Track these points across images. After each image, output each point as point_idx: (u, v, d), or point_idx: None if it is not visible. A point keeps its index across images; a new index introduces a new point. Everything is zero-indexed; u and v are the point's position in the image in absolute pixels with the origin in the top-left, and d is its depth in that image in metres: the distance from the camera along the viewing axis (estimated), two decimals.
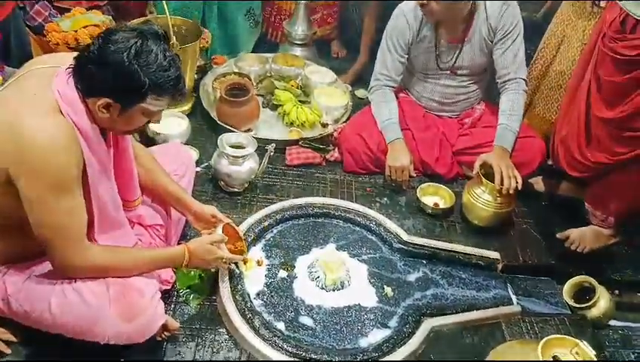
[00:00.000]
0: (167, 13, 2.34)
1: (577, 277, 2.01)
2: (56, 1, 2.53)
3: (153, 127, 2.26)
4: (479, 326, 1.84)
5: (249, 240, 1.95)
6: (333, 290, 1.86)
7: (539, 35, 2.58)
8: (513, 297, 1.98)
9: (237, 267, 1.83)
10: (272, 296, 1.82)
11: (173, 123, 2.37)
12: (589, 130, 2.07)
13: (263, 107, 2.72)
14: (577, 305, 1.95)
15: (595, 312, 1.94)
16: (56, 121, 1.26)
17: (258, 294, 1.82)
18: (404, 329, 1.76)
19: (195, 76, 2.70)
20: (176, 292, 1.77)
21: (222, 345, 1.66)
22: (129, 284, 1.44)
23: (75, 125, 1.28)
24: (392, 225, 2.13)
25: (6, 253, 1.45)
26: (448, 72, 2.40)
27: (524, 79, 2.32)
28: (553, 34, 2.45)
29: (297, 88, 2.83)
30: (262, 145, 2.25)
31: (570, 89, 2.21)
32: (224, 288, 1.76)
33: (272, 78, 2.88)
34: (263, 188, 2.27)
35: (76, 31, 2.27)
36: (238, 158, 2.11)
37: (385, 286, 1.91)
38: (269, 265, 1.93)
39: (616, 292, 2.12)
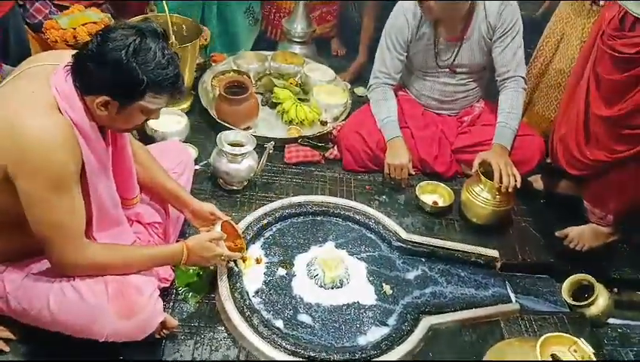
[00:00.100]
0: (167, 11, 2.33)
1: (576, 275, 2.01)
2: None
3: (152, 124, 2.26)
4: (478, 324, 1.84)
5: (248, 238, 1.94)
6: (332, 288, 1.86)
7: (538, 33, 2.58)
8: (512, 295, 1.99)
9: (236, 265, 1.83)
10: (270, 293, 1.82)
11: (172, 121, 2.36)
12: (588, 128, 2.07)
13: (262, 105, 2.72)
14: (576, 303, 1.96)
15: (593, 310, 1.94)
16: (55, 118, 1.26)
17: (257, 292, 1.82)
18: (403, 327, 1.76)
19: (194, 74, 2.70)
20: (175, 290, 1.77)
21: (220, 342, 1.66)
22: (127, 282, 1.44)
23: (74, 123, 1.28)
24: (391, 223, 2.13)
25: (4, 250, 1.44)
26: (447, 70, 2.39)
27: (523, 77, 2.32)
28: (552, 32, 2.45)
29: (296, 86, 2.82)
30: (261, 143, 2.25)
31: (569, 87, 2.21)
32: (223, 286, 1.76)
33: (271, 75, 2.87)
34: (262, 186, 2.27)
35: (75, 28, 2.27)
36: (237, 156, 2.11)
37: (384, 284, 1.91)
38: (267, 263, 1.93)
39: (615, 290, 2.13)
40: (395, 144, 2.32)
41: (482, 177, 2.13)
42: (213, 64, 2.90)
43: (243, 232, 1.93)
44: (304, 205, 2.15)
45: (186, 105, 2.63)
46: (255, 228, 2.00)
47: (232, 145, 2.14)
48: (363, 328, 1.77)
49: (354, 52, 3.23)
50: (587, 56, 2.07)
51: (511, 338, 1.76)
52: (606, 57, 1.94)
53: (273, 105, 2.73)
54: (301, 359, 1.62)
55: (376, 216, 2.15)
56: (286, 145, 2.47)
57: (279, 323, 1.74)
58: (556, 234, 2.23)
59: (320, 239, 2.05)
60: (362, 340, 1.73)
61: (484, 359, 1.59)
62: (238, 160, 2.12)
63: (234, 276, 1.80)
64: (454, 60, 2.36)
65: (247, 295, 1.78)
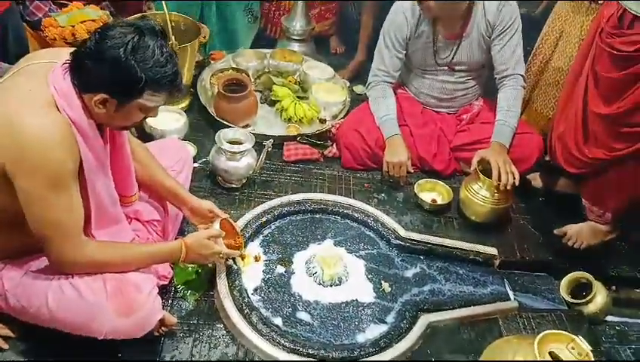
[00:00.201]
0: (166, 11, 2.32)
1: (574, 273, 2.02)
2: None
3: (150, 122, 2.26)
4: (476, 322, 1.84)
5: (247, 235, 1.95)
6: (331, 286, 1.87)
7: (537, 31, 2.58)
8: (510, 293, 1.99)
9: (235, 263, 1.83)
10: (269, 291, 1.83)
11: (170, 118, 2.36)
12: (587, 126, 2.07)
13: (261, 103, 2.71)
14: (574, 301, 1.96)
15: (591, 308, 1.94)
16: (53, 116, 1.26)
17: (256, 290, 1.82)
18: (402, 325, 1.76)
19: (193, 72, 2.69)
20: (173, 288, 1.77)
21: (219, 340, 1.67)
22: (126, 280, 1.44)
23: (71, 121, 1.28)
24: (389, 221, 2.13)
25: (3, 248, 1.44)
26: (446, 67, 2.39)
27: (522, 75, 2.32)
28: (551, 30, 2.45)
29: (295, 84, 2.82)
30: (260, 140, 2.25)
31: (568, 85, 2.21)
32: (222, 283, 1.76)
33: (270, 73, 2.87)
34: (260, 184, 2.27)
35: (73, 26, 2.27)
36: (236, 154, 2.11)
37: (382, 282, 1.92)
38: (266, 260, 1.93)
39: (613, 288, 2.13)
40: (393, 142, 2.32)
41: (481, 175, 2.13)
42: (212, 62, 2.90)
43: (242, 230, 1.93)
44: (303, 203, 2.15)
45: (184, 103, 2.62)
46: (254, 226, 2.00)
47: (231, 142, 2.14)
48: (362, 325, 1.77)
49: (353, 50, 3.23)
50: (586, 54, 2.07)
51: (509, 336, 1.76)
52: (604, 55, 1.94)
53: (272, 103, 2.73)
54: (300, 356, 1.62)
55: (375, 214, 2.16)
56: (285, 143, 2.47)
57: (278, 321, 1.74)
58: (555, 231, 2.24)
59: (319, 237, 2.05)
60: (361, 337, 1.74)
61: (482, 356, 1.59)
62: (237, 158, 2.12)
63: (233, 274, 1.81)
64: (453, 58, 2.36)
65: (246, 292, 1.78)
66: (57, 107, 1.27)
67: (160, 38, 1.29)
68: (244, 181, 2.22)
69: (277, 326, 1.71)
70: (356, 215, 2.14)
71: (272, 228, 2.06)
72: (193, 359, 1.60)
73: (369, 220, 2.13)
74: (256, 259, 1.91)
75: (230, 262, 1.82)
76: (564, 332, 1.41)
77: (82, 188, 1.36)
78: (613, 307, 2.00)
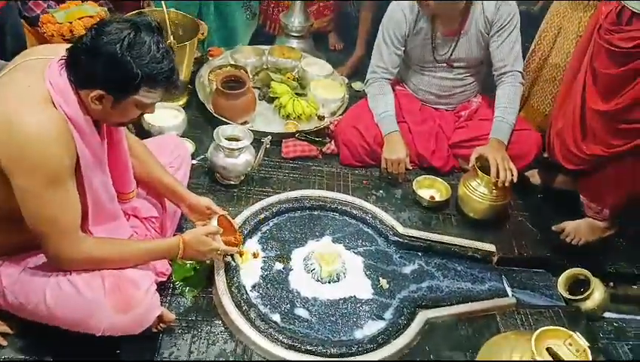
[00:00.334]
0: (165, 10, 2.31)
1: (572, 269, 2.02)
2: None
3: (149, 119, 2.26)
4: (474, 318, 1.85)
5: (245, 232, 1.95)
6: (329, 282, 1.87)
7: (536, 28, 2.57)
8: (508, 289, 1.99)
9: (233, 259, 1.83)
10: (267, 288, 1.83)
11: (169, 115, 2.36)
12: (585, 123, 2.07)
13: (260, 99, 2.71)
14: (572, 297, 1.96)
15: (589, 304, 1.95)
16: (49, 113, 1.25)
17: (254, 286, 1.82)
18: (400, 321, 1.77)
19: (192, 68, 2.69)
20: (172, 285, 1.77)
21: (218, 336, 1.67)
22: (124, 276, 1.44)
23: (67, 117, 1.27)
24: (387, 218, 2.13)
25: (0, 245, 1.44)
26: (445, 64, 2.39)
27: (520, 72, 2.31)
28: (549, 27, 2.45)
29: (294, 81, 2.82)
30: (258, 137, 2.25)
31: (566, 82, 2.21)
32: (220, 280, 1.77)
33: (269, 70, 2.87)
34: (259, 180, 2.27)
35: (71, 22, 2.26)
36: (234, 151, 2.11)
37: (380, 279, 1.92)
38: (264, 257, 1.93)
39: (611, 284, 2.13)
40: (392, 139, 2.32)
41: (479, 172, 2.13)
42: (210, 58, 2.89)
43: (240, 227, 1.93)
44: (301, 200, 2.15)
45: (183, 100, 2.62)
46: (252, 223, 2.00)
47: (229, 139, 2.14)
48: (360, 322, 1.77)
49: (351, 46, 3.23)
50: (584, 51, 2.07)
51: (507, 332, 1.77)
52: (603, 51, 1.94)
53: (270, 100, 2.72)
54: (298, 353, 1.62)
55: (374, 211, 2.16)
56: (283, 140, 2.47)
57: (276, 317, 1.74)
58: (553, 228, 2.24)
59: (317, 233, 2.05)
60: (359, 334, 1.74)
61: (480, 352, 1.59)
62: (235, 154, 2.12)
63: (231, 270, 1.81)
64: (452, 55, 2.35)
65: (245, 289, 1.78)
66: (53, 103, 1.27)
67: (156, 34, 1.29)
68: (242, 178, 2.22)
69: (275, 322, 1.72)
70: (354, 212, 2.15)
71: (270, 224, 2.06)
72: (191, 355, 1.60)
73: (367, 217, 2.13)
74: (255, 255, 1.92)
75: (228, 258, 1.82)
76: (561, 328, 1.41)
77: (79, 184, 1.36)
78: (611, 303, 2.01)
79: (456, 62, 2.38)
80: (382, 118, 2.36)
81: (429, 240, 2.07)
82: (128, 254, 1.47)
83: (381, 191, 2.34)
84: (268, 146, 2.22)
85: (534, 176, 2.47)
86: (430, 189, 2.34)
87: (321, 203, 2.16)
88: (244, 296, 1.75)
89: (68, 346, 1.50)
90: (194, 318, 1.70)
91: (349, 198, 2.20)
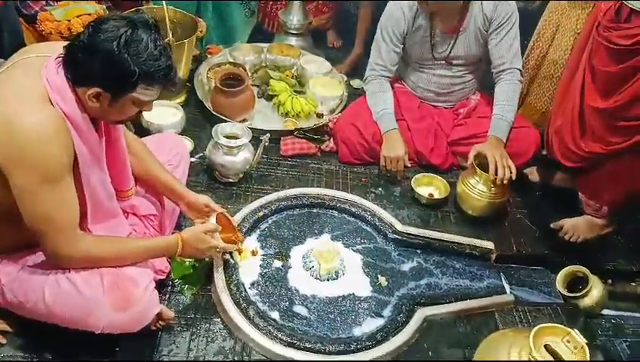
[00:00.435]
0: (166, 8, 2.31)
1: (570, 266, 2.02)
2: None
3: (147, 116, 2.25)
4: (472, 316, 1.85)
5: (244, 230, 1.95)
6: (328, 280, 1.87)
7: (534, 25, 2.57)
8: (507, 286, 2.00)
9: (232, 257, 1.83)
10: (266, 285, 1.83)
11: (167, 113, 2.36)
12: (584, 120, 2.07)
13: (258, 97, 2.71)
14: (570, 295, 1.96)
15: (587, 301, 1.95)
16: (46, 111, 1.25)
17: (253, 284, 1.83)
18: (398, 319, 1.77)
19: (190, 66, 2.69)
20: (170, 282, 1.77)
21: (216, 334, 1.67)
22: (123, 274, 1.44)
23: (65, 114, 1.27)
24: (386, 216, 2.13)
25: None
26: (443, 62, 2.39)
27: (519, 69, 2.31)
28: (548, 24, 2.44)
29: (293, 78, 2.82)
30: (257, 135, 2.25)
31: (565, 79, 2.21)
32: (219, 278, 1.77)
33: (267, 68, 2.87)
34: (257, 178, 2.27)
35: (69, 20, 2.26)
36: (233, 149, 2.11)
37: (379, 276, 1.92)
38: (263, 255, 1.93)
39: (609, 281, 2.14)
40: (391, 136, 2.32)
41: (478, 169, 2.13)
42: (208, 56, 2.89)
43: (239, 224, 1.93)
44: (300, 197, 2.15)
45: (181, 97, 2.62)
46: (251, 221, 2.01)
47: (228, 137, 2.14)
48: (358, 319, 1.78)
49: (350, 44, 3.22)
50: (582, 48, 2.07)
51: (505, 329, 1.77)
52: (601, 49, 1.94)
53: (269, 98, 2.72)
54: (297, 350, 1.62)
55: (372, 209, 2.16)
56: (282, 138, 2.47)
57: (275, 315, 1.74)
58: (551, 225, 2.24)
59: (316, 231, 2.06)
60: (357, 331, 1.74)
61: (478, 349, 1.59)
62: (234, 152, 2.12)
63: (230, 268, 1.81)
64: (450, 52, 2.35)
65: (243, 287, 1.78)
66: (51, 101, 1.26)
67: (153, 31, 1.28)
68: (241, 175, 2.22)
69: (274, 320, 1.72)
70: (353, 209, 2.15)
71: (269, 222, 2.06)
72: (190, 353, 1.60)
73: (366, 215, 2.13)
74: (254, 253, 1.92)
75: (227, 256, 1.82)
76: (559, 325, 1.41)
77: (77, 182, 1.36)
78: (609, 300, 2.01)
79: (454, 60, 2.38)
80: (381, 115, 2.36)
81: (427, 237, 2.08)
82: (127, 252, 1.47)
83: (380, 189, 2.34)
84: (267, 144, 2.22)
85: (533, 174, 2.47)
86: (429, 187, 2.34)
87: (319, 200, 2.16)
88: (243, 294, 1.75)
89: (67, 344, 1.50)
90: (193, 316, 1.70)
91: (348, 196, 2.21)
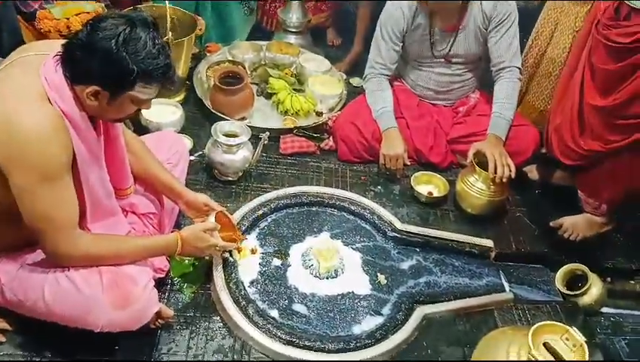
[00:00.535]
0: (167, 5, 2.30)
1: (570, 264, 2.02)
2: None
3: (146, 115, 2.25)
4: (472, 314, 1.85)
5: (243, 228, 1.95)
6: (327, 278, 1.87)
7: (534, 23, 2.57)
8: (506, 284, 2.00)
9: (231, 255, 1.83)
10: (266, 284, 1.83)
11: (166, 111, 2.36)
12: (583, 119, 2.07)
13: (257, 95, 2.71)
14: (569, 293, 1.96)
15: (586, 299, 1.95)
16: (44, 109, 1.25)
17: (252, 282, 1.83)
18: (397, 317, 1.77)
19: (189, 65, 2.68)
20: (170, 281, 1.77)
21: (216, 332, 1.67)
22: (122, 272, 1.44)
23: (63, 113, 1.27)
24: (386, 214, 2.14)
25: None
26: (443, 60, 2.39)
27: (518, 67, 2.31)
28: (547, 22, 2.44)
29: (292, 76, 2.81)
30: (256, 133, 2.25)
31: (564, 77, 2.21)
32: (218, 276, 1.77)
33: (267, 66, 2.86)
34: (257, 176, 2.27)
35: (68, 18, 2.25)
36: (232, 147, 2.11)
37: (378, 274, 1.92)
38: (263, 253, 1.93)
39: (609, 279, 2.14)
40: (390, 134, 2.32)
41: (477, 167, 2.14)
42: (208, 54, 2.89)
43: (238, 223, 1.93)
44: (299, 196, 2.15)
45: (180, 96, 2.61)
46: (250, 219, 2.01)
47: (227, 135, 2.14)
48: (358, 317, 1.78)
49: (350, 42, 3.22)
50: (582, 46, 2.07)
51: (504, 327, 1.77)
52: (601, 47, 1.94)
53: (268, 96, 2.72)
54: (296, 348, 1.62)
55: (372, 207, 2.16)
56: (281, 136, 2.47)
57: (274, 313, 1.74)
58: (550, 224, 2.24)
59: (315, 229, 2.06)
60: (357, 329, 1.74)
61: (477, 347, 1.60)
62: (233, 150, 2.12)
63: (229, 266, 1.81)
64: (450, 50, 2.35)
65: (243, 285, 1.78)
66: (49, 99, 1.26)
67: (152, 29, 1.28)
68: (240, 174, 2.22)
69: (273, 318, 1.72)
70: (352, 207, 2.15)
71: (268, 220, 2.06)
72: (190, 351, 1.60)
73: (365, 213, 2.13)
74: (253, 251, 1.92)
75: (226, 254, 1.82)
76: (558, 323, 1.41)
77: (76, 180, 1.35)
78: (608, 298, 2.01)
79: (454, 58, 2.38)
80: (380, 113, 2.36)
81: (426, 235, 2.08)
82: (126, 251, 1.47)
83: (379, 187, 2.34)
84: (266, 142, 2.21)
85: (532, 172, 2.47)
86: (428, 185, 2.34)
87: (319, 199, 2.16)
88: (243, 292, 1.75)
89: (66, 342, 1.50)
90: (192, 314, 1.71)
91: (347, 194, 2.21)
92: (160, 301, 1.55)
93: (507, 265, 2.10)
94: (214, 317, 1.71)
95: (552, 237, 2.21)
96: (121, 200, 1.60)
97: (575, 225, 2.19)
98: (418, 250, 2.06)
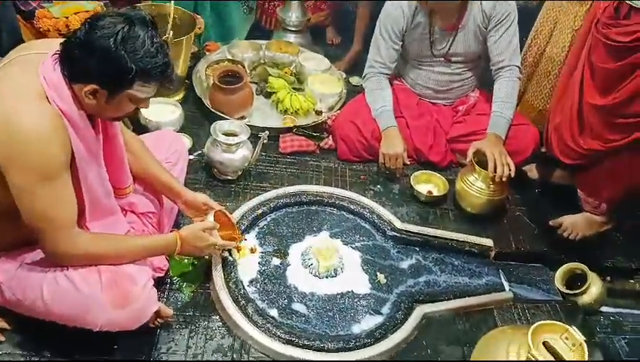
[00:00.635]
0: (172, 4, 2.30)
1: (569, 264, 2.02)
2: None
3: (146, 114, 2.25)
4: (471, 313, 1.85)
5: (242, 227, 1.94)
6: (327, 277, 1.87)
7: (533, 22, 2.57)
8: (505, 284, 2.00)
9: (230, 255, 1.83)
10: (265, 283, 1.83)
11: (165, 110, 2.36)
12: (582, 118, 2.06)
13: (257, 94, 2.71)
14: (569, 292, 1.97)
15: (586, 299, 1.95)
16: (43, 108, 1.25)
17: (251, 281, 1.82)
18: (397, 316, 1.77)
19: (189, 63, 2.68)
20: (169, 280, 1.77)
21: (215, 331, 1.67)
22: (121, 272, 1.43)
23: (61, 112, 1.27)
24: (385, 213, 2.13)
25: None
26: (442, 59, 2.39)
27: (518, 67, 2.31)
28: (546, 20, 2.44)
29: (291, 75, 2.81)
30: (255, 132, 2.24)
31: (564, 76, 2.21)
32: (217, 275, 1.77)
33: (266, 65, 2.86)
34: (256, 176, 2.27)
35: (67, 17, 2.25)
36: (232, 146, 2.10)
37: (378, 273, 1.92)
38: (262, 252, 1.93)
39: (608, 278, 2.15)
40: (390, 133, 2.31)
41: (476, 166, 2.13)
42: (207, 53, 2.88)
43: (237, 222, 1.93)
44: (299, 195, 2.15)
45: (180, 95, 2.61)
46: (250, 218, 2.00)
47: (227, 134, 2.13)
48: (357, 317, 1.78)
49: (349, 41, 3.22)
50: (581, 45, 2.06)
51: (504, 326, 1.77)
52: (600, 46, 1.94)
53: (268, 95, 2.72)
54: (296, 347, 1.62)
55: (371, 206, 2.16)
56: (281, 135, 2.47)
57: (274, 312, 1.74)
58: (550, 223, 2.24)
59: (314, 229, 2.05)
60: (356, 328, 1.74)
61: (477, 346, 1.59)
62: (233, 149, 2.12)
63: (228, 266, 1.81)
64: (449, 49, 2.35)
65: (242, 284, 1.78)
66: (47, 98, 1.26)
67: (150, 28, 1.28)
68: (239, 173, 2.22)
69: (273, 317, 1.72)
70: (352, 207, 2.14)
71: (267, 220, 2.06)
72: (189, 350, 1.60)
73: (365, 212, 2.13)
74: (252, 251, 1.91)
75: (226, 254, 1.82)
76: (558, 322, 1.41)
77: (75, 179, 1.35)
78: (608, 298, 2.01)
79: (454, 57, 2.38)
80: (379, 112, 2.35)
81: (426, 235, 2.08)
82: (125, 250, 1.47)
83: (379, 186, 2.34)
84: (265, 141, 2.21)
85: (532, 171, 2.47)
86: (428, 184, 2.34)
87: (318, 198, 2.16)
88: (242, 291, 1.75)
89: (65, 342, 1.50)
90: (191, 313, 1.70)
91: (347, 193, 2.20)
92: (159, 300, 1.55)
93: (507, 264, 2.10)
94: (214, 317, 1.71)
95: (551, 236, 2.21)
96: (120, 200, 1.60)
97: (575, 224, 2.19)
98: (418, 249, 2.06)
